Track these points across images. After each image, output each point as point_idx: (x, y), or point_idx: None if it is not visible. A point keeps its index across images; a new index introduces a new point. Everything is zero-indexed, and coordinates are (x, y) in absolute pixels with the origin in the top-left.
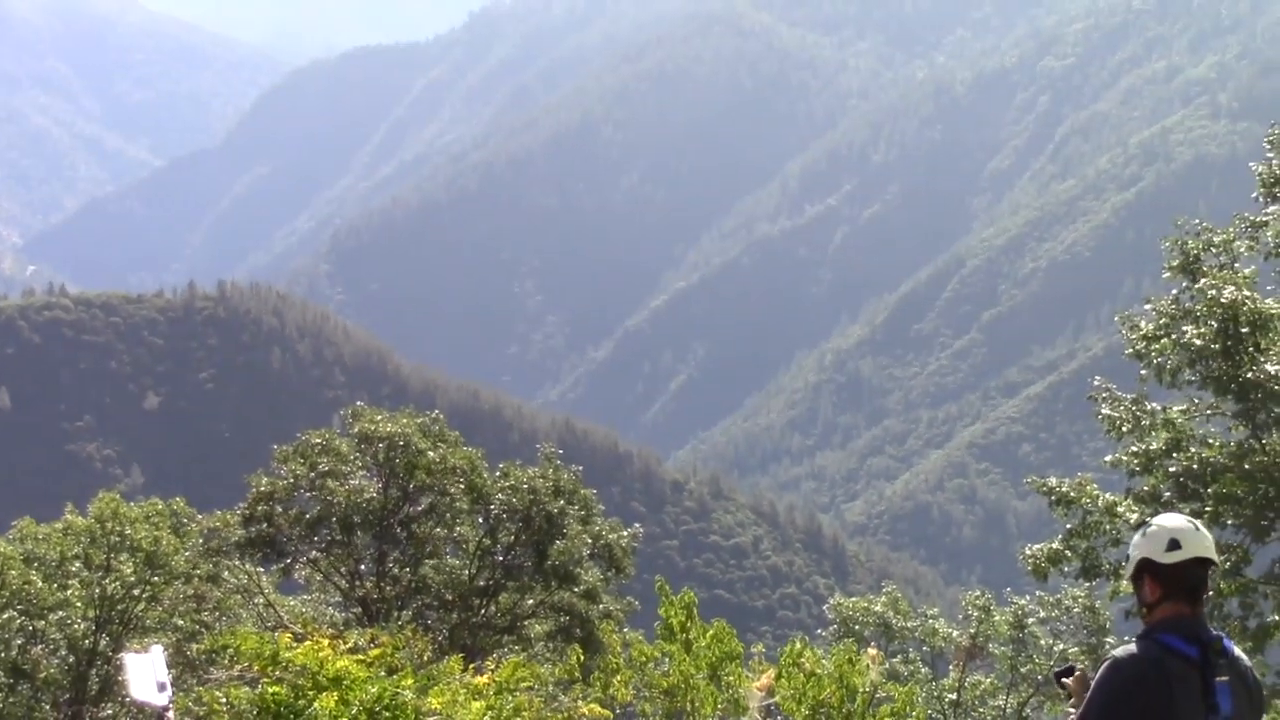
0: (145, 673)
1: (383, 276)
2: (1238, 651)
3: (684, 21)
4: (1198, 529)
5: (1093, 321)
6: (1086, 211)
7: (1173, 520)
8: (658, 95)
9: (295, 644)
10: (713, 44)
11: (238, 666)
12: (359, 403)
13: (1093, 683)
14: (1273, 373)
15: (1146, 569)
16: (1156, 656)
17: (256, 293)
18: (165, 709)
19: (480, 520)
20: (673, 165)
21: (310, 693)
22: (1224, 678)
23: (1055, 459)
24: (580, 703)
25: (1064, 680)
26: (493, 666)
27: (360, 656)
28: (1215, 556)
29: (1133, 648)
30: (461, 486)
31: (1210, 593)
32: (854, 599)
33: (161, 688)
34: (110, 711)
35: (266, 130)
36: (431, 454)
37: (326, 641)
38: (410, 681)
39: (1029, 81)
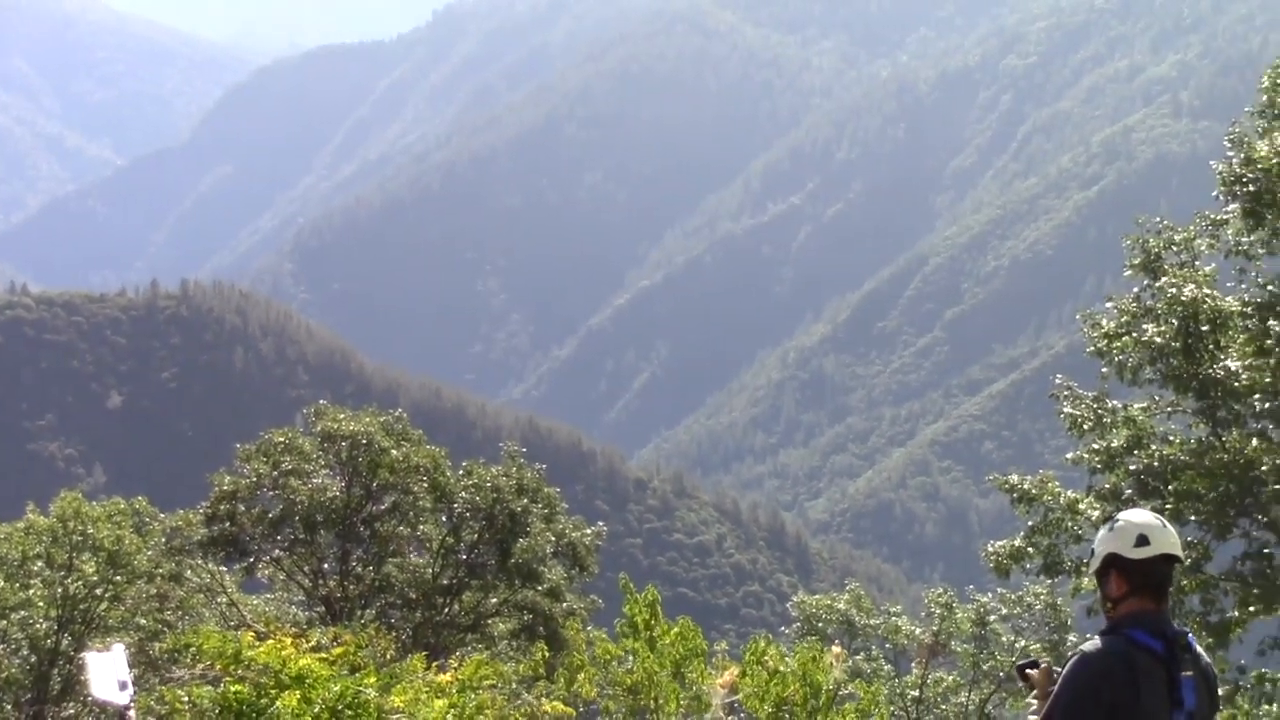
0: (107, 672)
1: (346, 275)
2: (1199, 647)
3: (648, 20)
4: (1165, 526)
5: (1055, 319)
6: (1049, 210)
7: (1140, 516)
8: (621, 94)
9: (258, 643)
10: (676, 43)
11: (200, 665)
12: (322, 401)
13: (1060, 677)
14: (1233, 370)
15: (1114, 564)
16: (1123, 651)
17: (219, 292)
18: (127, 708)
19: (444, 519)
20: (636, 164)
21: (273, 691)
22: (1189, 673)
23: (1017, 456)
24: (544, 700)
25: (1028, 672)
26: (456, 665)
27: (323, 655)
28: (1181, 553)
29: (1100, 642)
30: (425, 485)
31: (1172, 589)
32: (817, 597)
33: (123, 686)
34: (72, 711)
35: (230, 129)
36: (395, 452)
37: (289, 640)
38: (373, 680)
39: (992, 80)
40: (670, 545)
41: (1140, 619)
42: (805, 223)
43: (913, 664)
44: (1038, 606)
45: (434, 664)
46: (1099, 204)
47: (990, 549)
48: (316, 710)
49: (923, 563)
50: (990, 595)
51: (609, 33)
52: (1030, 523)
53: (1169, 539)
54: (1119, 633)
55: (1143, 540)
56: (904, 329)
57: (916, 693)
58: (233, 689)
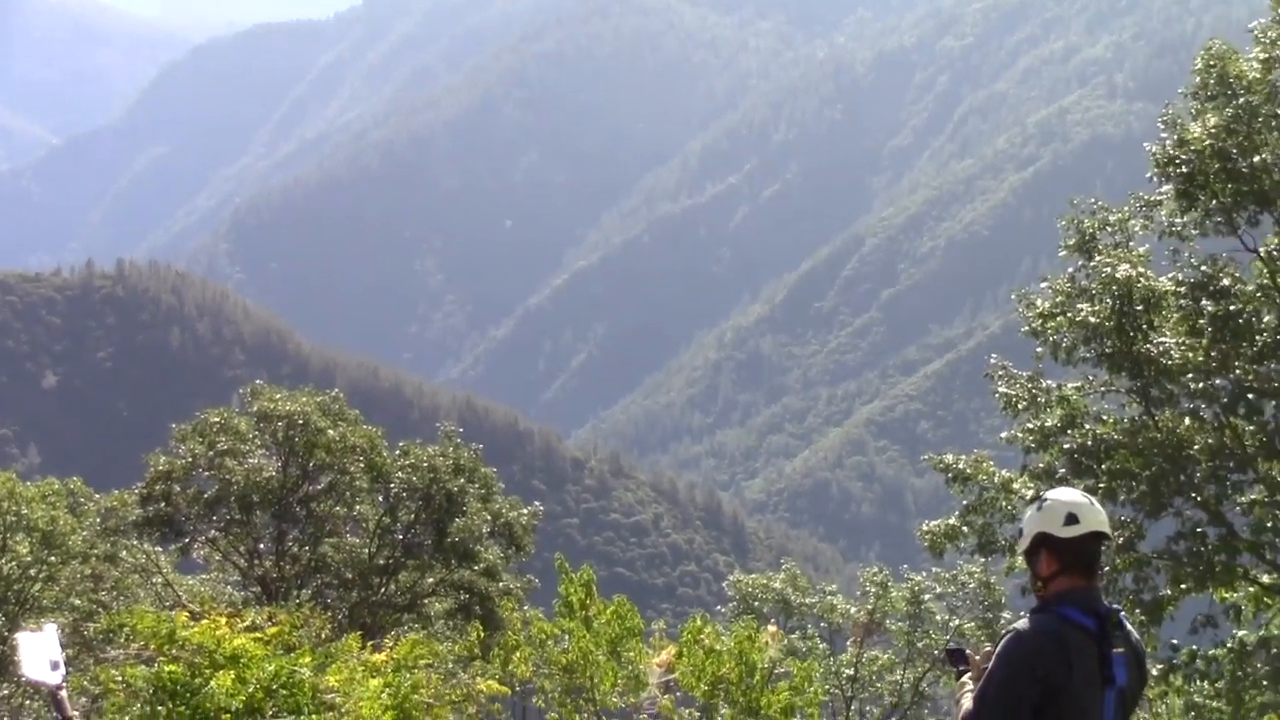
0: (38, 652)
1: (283, 255)
2: (1129, 625)
3: (585, 1)
4: (1092, 503)
5: (990, 300)
6: (985, 191)
7: (1068, 495)
8: (558, 75)
9: (192, 623)
10: (613, 23)
11: (134, 646)
12: (258, 381)
13: (994, 655)
14: (1166, 348)
15: (1044, 543)
16: (1056, 629)
17: (155, 272)
18: (59, 688)
19: (380, 499)
20: (574, 145)
21: (207, 671)
22: (1120, 649)
23: (953, 436)
24: (478, 679)
25: (968, 653)
26: (391, 644)
27: (257, 635)
28: (1109, 530)
29: (1032, 620)
30: (361, 465)
31: (1105, 567)
32: (753, 576)
33: (55, 666)
34: (5, 691)
35: (166, 108)
36: (331, 432)
37: (223, 620)
38: (308, 659)
39: (928, 61)
40: (607, 525)
41: (1071, 597)
42: (742, 203)
43: (848, 643)
44: (972, 585)
45: (369, 644)
46: (1034, 185)
47: (925, 528)
48: (251, 690)
49: (859, 542)
50: (925, 574)
51: (546, 14)
52: (965, 502)
53: (1098, 516)
54: (1051, 610)
55: (1072, 519)
56: (840, 309)
57: (851, 671)
58: (167, 669)
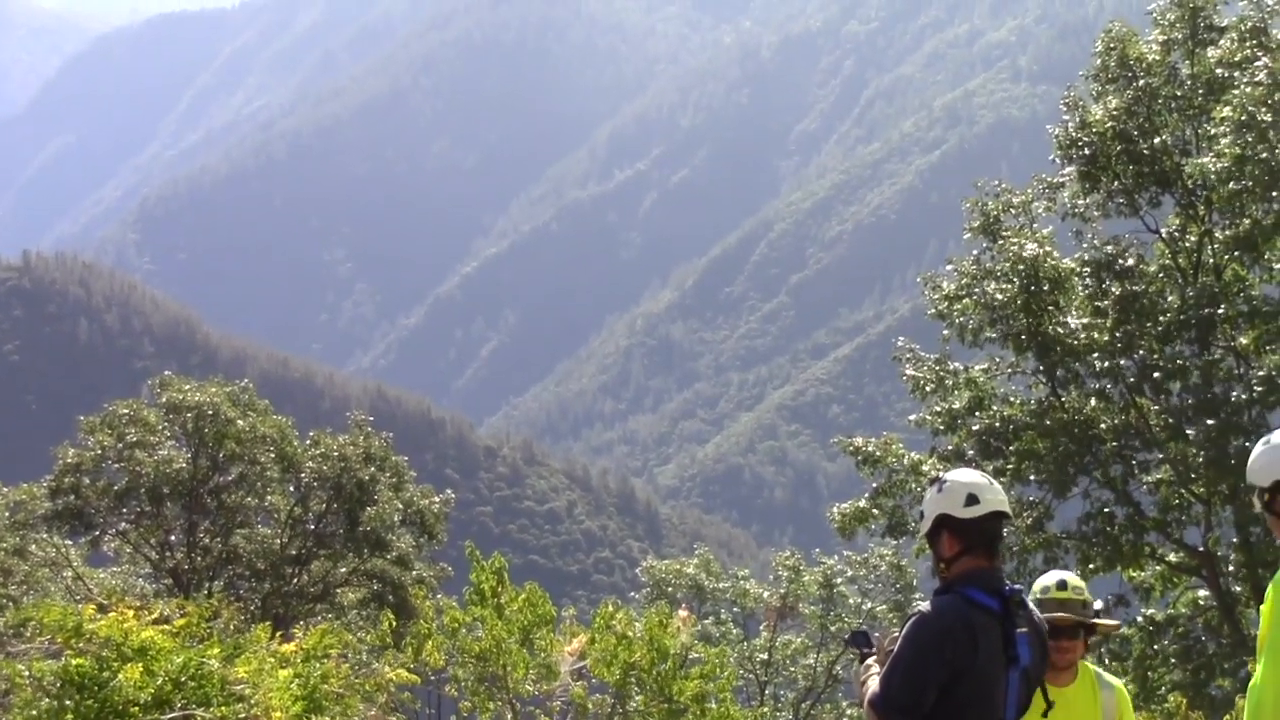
0: None
1: (191, 245)
2: (1032, 606)
3: None
4: (991, 483)
5: (899, 283)
6: (892, 174)
7: (967, 475)
8: (466, 62)
9: (99, 616)
10: (520, 10)
11: (41, 639)
12: (167, 372)
13: (900, 636)
14: (1072, 328)
15: (945, 525)
16: (962, 610)
17: (62, 263)
18: None
19: (291, 489)
20: (482, 132)
21: (114, 664)
22: (1023, 629)
23: (864, 419)
24: (387, 669)
25: (875, 637)
26: (301, 634)
27: (166, 627)
28: (1009, 509)
29: (937, 602)
30: (272, 455)
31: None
32: (666, 562)
33: None
34: None
35: (71, 97)
36: (241, 423)
37: (131, 613)
38: (216, 651)
39: (834, 46)
40: (521, 513)
41: (975, 577)
42: (651, 189)
43: (761, 627)
44: (883, 568)
45: (278, 634)
46: (941, 168)
47: (835, 511)
48: (159, 682)
49: (772, 526)
50: (837, 558)
51: (453, 1)
52: (874, 484)
53: (997, 496)
54: (955, 592)
55: (972, 499)
56: (750, 294)
57: (765, 655)
58: (74, 662)
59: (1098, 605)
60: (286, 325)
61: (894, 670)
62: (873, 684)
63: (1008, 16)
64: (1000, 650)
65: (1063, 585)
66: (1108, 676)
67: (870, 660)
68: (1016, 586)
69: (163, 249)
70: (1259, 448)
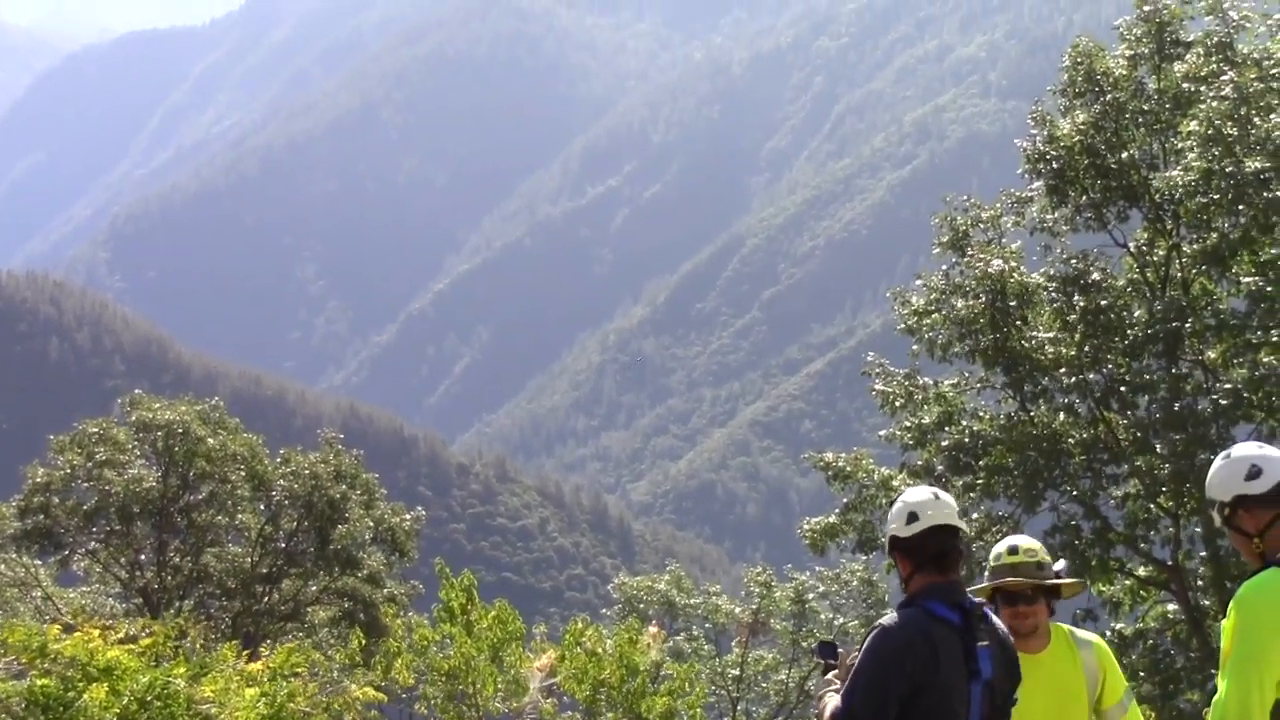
0: None
1: (162, 263)
2: (996, 619)
3: (463, 3)
4: (937, 497)
5: (870, 299)
6: (863, 190)
7: (913, 495)
8: (437, 78)
9: (65, 635)
10: (492, 26)
11: (6, 659)
12: (137, 391)
13: (861, 649)
14: (1039, 342)
15: (894, 545)
16: (922, 623)
17: (33, 281)
18: None
19: (262, 507)
20: (453, 148)
21: (80, 684)
22: (984, 642)
23: (836, 435)
24: (354, 687)
25: (839, 650)
26: (268, 653)
27: (132, 646)
28: (958, 522)
29: (898, 616)
30: (242, 473)
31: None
32: (638, 578)
33: None
34: None
35: (41, 116)
36: (211, 441)
37: (97, 632)
38: (182, 670)
39: (804, 62)
40: (494, 530)
41: (933, 592)
42: (623, 205)
43: (733, 643)
44: (854, 583)
45: (246, 652)
46: (912, 183)
47: (806, 526)
48: (125, 702)
49: (745, 542)
50: (808, 573)
51: (424, 17)
52: (845, 500)
53: (940, 510)
54: (916, 605)
55: (912, 517)
56: (722, 310)
57: (737, 671)
58: (39, 683)
59: (1058, 566)
60: (258, 343)
61: (855, 685)
62: (832, 700)
63: (977, 32)
64: (962, 663)
65: (1014, 550)
66: (1082, 633)
67: (831, 674)
68: (978, 600)
69: (134, 267)
70: (1218, 462)
